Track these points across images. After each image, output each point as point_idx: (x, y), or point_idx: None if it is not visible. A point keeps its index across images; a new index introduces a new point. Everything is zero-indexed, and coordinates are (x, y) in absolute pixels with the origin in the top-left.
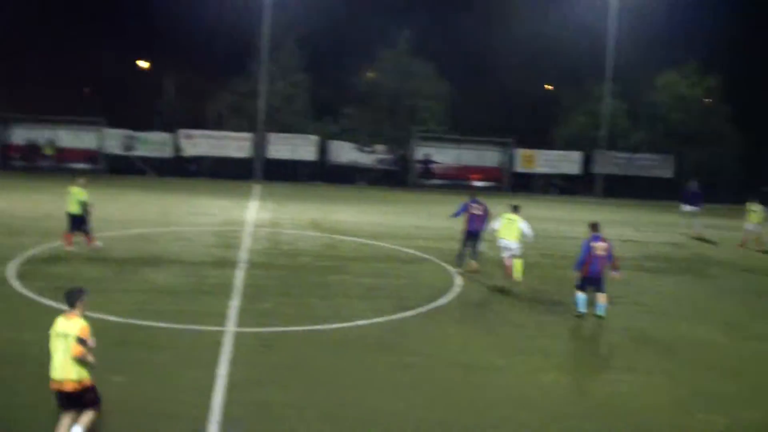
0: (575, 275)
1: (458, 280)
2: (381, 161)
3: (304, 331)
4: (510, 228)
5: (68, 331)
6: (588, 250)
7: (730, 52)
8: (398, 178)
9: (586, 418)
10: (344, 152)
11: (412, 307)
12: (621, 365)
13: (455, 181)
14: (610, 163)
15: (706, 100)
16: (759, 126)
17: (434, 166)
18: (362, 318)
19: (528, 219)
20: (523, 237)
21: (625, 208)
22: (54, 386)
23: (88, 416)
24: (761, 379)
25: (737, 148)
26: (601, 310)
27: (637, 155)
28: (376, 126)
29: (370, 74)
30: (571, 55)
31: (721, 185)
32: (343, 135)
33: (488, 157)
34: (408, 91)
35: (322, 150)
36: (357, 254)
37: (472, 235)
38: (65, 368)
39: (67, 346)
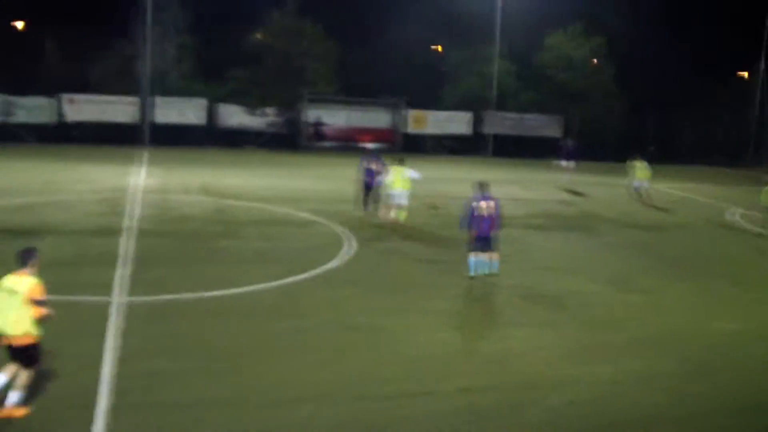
0: (466, 236)
1: (351, 242)
2: (271, 124)
3: (195, 298)
4: (398, 178)
5: (16, 287)
6: (471, 209)
7: (614, 13)
8: (289, 141)
9: (476, 374)
10: (234, 115)
11: (305, 271)
12: (511, 321)
13: (346, 142)
14: (500, 123)
15: (592, 60)
16: (640, 85)
17: (324, 128)
18: (254, 283)
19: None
20: (412, 180)
21: (514, 167)
22: (4, 341)
23: (24, 378)
24: (643, 330)
25: (622, 107)
26: (494, 267)
27: (526, 115)
28: (265, 88)
29: (258, 35)
30: (461, 15)
31: (608, 143)
32: (232, 98)
33: (379, 118)
34: (297, 53)
35: (211, 113)
36: (248, 218)
37: (369, 187)
38: (11, 323)
39: (15, 302)
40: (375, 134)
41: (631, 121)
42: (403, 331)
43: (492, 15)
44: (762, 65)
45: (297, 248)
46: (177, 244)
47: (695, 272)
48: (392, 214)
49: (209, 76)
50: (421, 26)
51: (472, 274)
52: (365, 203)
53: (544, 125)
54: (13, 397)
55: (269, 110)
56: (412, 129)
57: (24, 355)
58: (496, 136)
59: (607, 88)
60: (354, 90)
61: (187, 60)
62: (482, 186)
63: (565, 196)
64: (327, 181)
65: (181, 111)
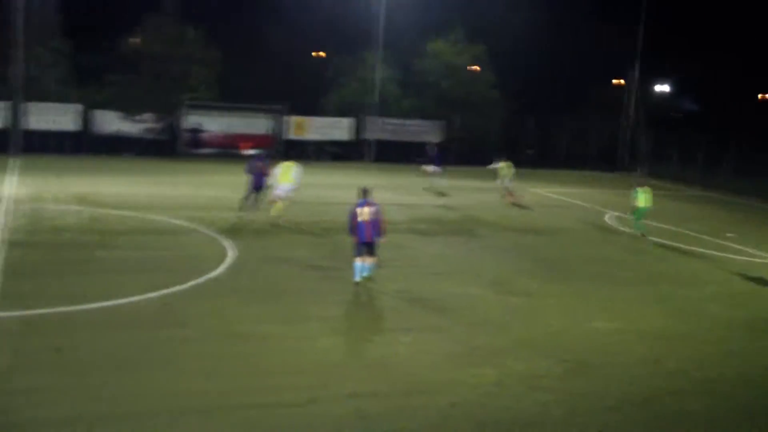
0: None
1: (231, 251)
2: (149, 130)
3: (70, 311)
4: (287, 173)
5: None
6: (353, 215)
7: (495, 20)
8: (167, 148)
9: (362, 379)
10: (111, 122)
11: (185, 280)
12: (396, 326)
13: (226, 149)
14: (382, 129)
15: (473, 67)
16: (520, 91)
17: (204, 134)
18: (133, 294)
19: (303, 186)
20: (295, 179)
21: (396, 172)
22: None
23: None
24: (525, 332)
25: (502, 113)
26: (365, 271)
27: (408, 121)
28: (143, 94)
29: (135, 39)
30: (343, 22)
31: (489, 149)
32: (109, 104)
33: (259, 124)
34: (177, 58)
35: (87, 120)
36: (125, 228)
37: (258, 188)
38: None
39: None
40: (255, 140)
41: (511, 127)
42: (288, 339)
43: (374, 21)
44: (636, 73)
45: (177, 257)
46: (50, 256)
47: (574, 274)
48: (278, 204)
49: (85, 81)
50: (303, 33)
51: (357, 279)
52: (247, 199)
53: (426, 131)
54: None
55: (147, 116)
56: (293, 135)
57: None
58: (378, 142)
59: (487, 95)
60: (235, 96)
61: (62, 65)
62: (364, 192)
63: (446, 200)
64: (207, 188)
65: (55, 117)
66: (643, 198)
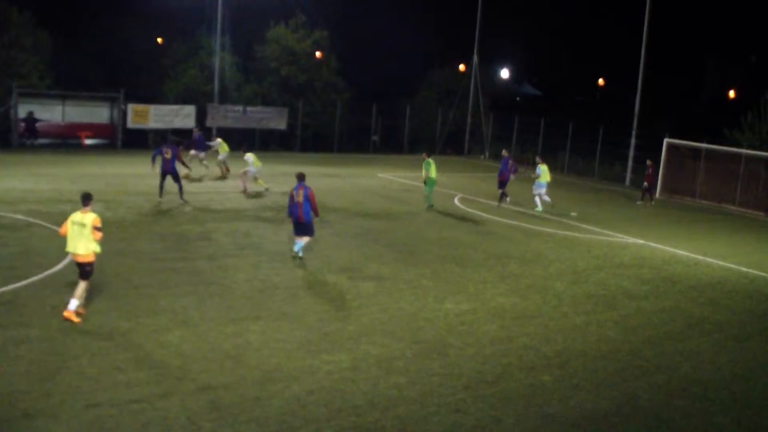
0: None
1: None
2: None
3: None
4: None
5: (84, 221)
6: (290, 197)
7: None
8: (0, 139)
9: (216, 371)
10: None
11: (26, 277)
12: (248, 315)
13: (64, 139)
14: (224, 116)
15: (316, 53)
16: (363, 77)
17: (39, 124)
18: None
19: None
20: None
21: (241, 160)
22: (78, 260)
23: (81, 288)
24: (378, 316)
25: (345, 99)
26: (297, 248)
27: (251, 108)
28: None
29: None
30: (181, 7)
31: (333, 135)
32: None
33: (98, 113)
34: (3, 42)
35: None
36: None
37: (166, 174)
38: (82, 246)
39: (83, 231)
40: (93, 129)
41: (355, 113)
42: (138, 333)
43: (213, 6)
44: (475, 59)
45: (16, 253)
46: None
47: (425, 257)
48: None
49: None
50: (141, 16)
51: (296, 253)
52: (162, 190)
53: (269, 117)
54: (73, 304)
55: None
56: (133, 124)
57: (86, 269)
58: (219, 130)
59: (330, 81)
60: (71, 84)
61: None
62: (299, 176)
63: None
64: (44, 180)
65: None
66: (433, 169)
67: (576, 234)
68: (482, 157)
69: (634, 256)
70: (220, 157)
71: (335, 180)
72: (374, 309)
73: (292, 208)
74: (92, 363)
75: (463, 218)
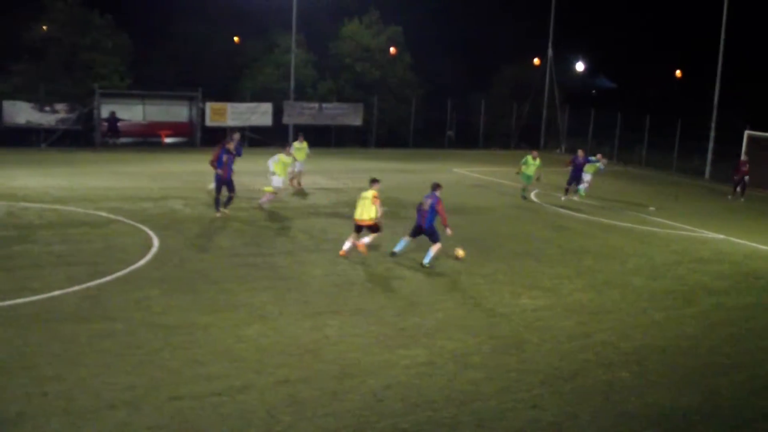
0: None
1: (155, 241)
2: (63, 120)
3: None
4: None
5: (368, 195)
6: (421, 203)
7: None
8: (83, 138)
9: (294, 365)
10: (21, 112)
11: (109, 272)
12: (325, 310)
13: (144, 138)
14: (300, 113)
15: (390, 49)
16: (437, 72)
17: (120, 123)
18: (55, 289)
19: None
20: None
21: (317, 156)
22: (358, 222)
23: (373, 236)
24: (455, 311)
25: (419, 94)
26: (398, 247)
27: (326, 105)
28: (53, 83)
29: (42, 27)
30: (257, 5)
31: (407, 131)
32: (18, 94)
33: (176, 111)
34: (86, 45)
35: None
36: (43, 221)
37: (221, 184)
38: (366, 213)
39: (367, 202)
40: (173, 128)
41: (429, 108)
42: (217, 328)
43: (288, 4)
44: (550, 52)
45: (99, 249)
46: None
47: (500, 252)
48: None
49: None
50: (217, 17)
51: (396, 250)
52: (217, 201)
53: (344, 114)
54: (366, 239)
55: (60, 106)
56: (211, 122)
57: (372, 228)
58: (296, 126)
59: (404, 77)
60: (150, 83)
61: None
62: (432, 186)
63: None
64: (125, 178)
65: None
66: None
67: (654, 229)
68: (558, 151)
69: (714, 251)
70: (297, 167)
71: (409, 175)
72: (450, 304)
73: (419, 212)
74: (173, 356)
75: (539, 213)
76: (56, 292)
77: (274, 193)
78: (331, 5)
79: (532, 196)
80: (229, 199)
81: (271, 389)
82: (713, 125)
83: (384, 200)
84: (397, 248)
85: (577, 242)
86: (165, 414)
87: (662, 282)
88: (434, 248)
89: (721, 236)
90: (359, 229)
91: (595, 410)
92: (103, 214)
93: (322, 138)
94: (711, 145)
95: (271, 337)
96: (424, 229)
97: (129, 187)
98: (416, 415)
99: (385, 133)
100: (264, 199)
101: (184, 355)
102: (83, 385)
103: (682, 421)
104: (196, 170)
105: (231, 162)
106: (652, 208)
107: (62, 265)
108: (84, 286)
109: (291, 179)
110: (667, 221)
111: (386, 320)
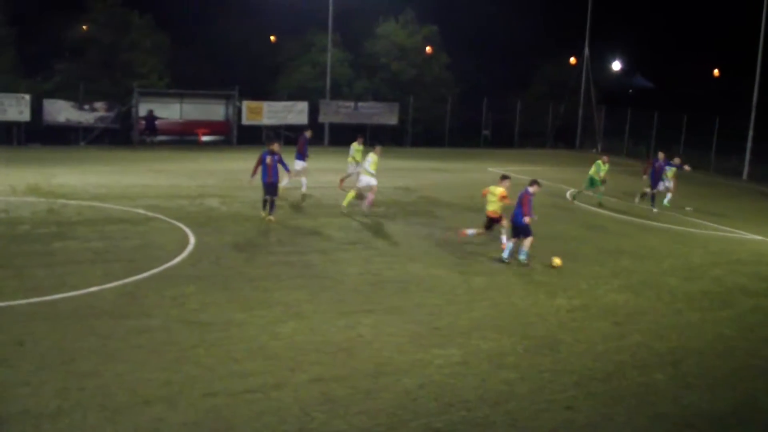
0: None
1: (192, 238)
2: (102, 119)
3: (29, 303)
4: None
5: (495, 191)
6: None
7: (444, 2)
8: (121, 136)
9: (328, 363)
10: (61, 111)
11: (146, 269)
12: (359, 309)
13: (182, 136)
14: (336, 112)
15: (425, 48)
16: (473, 73)
17: (158, 122)
18: (93, 285)
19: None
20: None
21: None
22: (489, 215)
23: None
24: (489, 311)
25: (455, 94)
26: (522, 254)
27: (362, 104)
28: (93, 82)
29: (82, 27)
30: (293, 4)
31: (443, 130)
32: (59, 93)
33: (213, 110)
34: (125, 45)
35: (36, 109)
36: (82, 218)
37: (269, 186)
38: (495, 208)
39: (495, 198)
40: (211, 127)
41: (465, 107)
42: (252, 325)
43: (324, 3)
44: (586, 51)
45: (136, 246)
46: (7, 249)
47: (535, 252)
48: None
49: (32, 70)
50: (254, 16)
51: (505, 257)
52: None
53: (380, 113)
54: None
55: (99, 105)
56: (247, 120)
57: (495, 221)
58: (332, 125)
59: (440, 76)
60: (187, 82)
61: (7, 53)
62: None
63: (409, 182)
64: (163, 175)
65: (3, 108)
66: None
67: (691, 229)
68: (594, 150)
69: (752, 253)
70: (351, 168)
71: (445, 174)
72: (485, 304)
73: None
74: (209, 353)
75: (575, 212)
76: (94, 288)
77: (368, 192)
78: (367, 5)
79: (568, 195)
80: (272, 204)
81: (305, 387)
82: (752, 125)
83: (418, 199)
84: (505, 255)
85: (613, 242)
86: (200, 410)
87: (699, 283)
88: (527, 243)
89: (760, 237)
90: (491, 222)
91: (630, 412)
92: (141, 211)
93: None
94: (749, 144)
95: (306, 335)
96: (515, 225)
97: (166, 185)
98: (450, 414)
99: (421, 132)
100: (367, 203)
101: (219, 352)
102: (119, 380)
103: (719, 424)
104: (232, 168)
105: (276, 164)
106: (689, 209)
107: (100, 261)
108: (121, 282)
109: (342, 179)
110: (704, 222)
111: (420, 319)
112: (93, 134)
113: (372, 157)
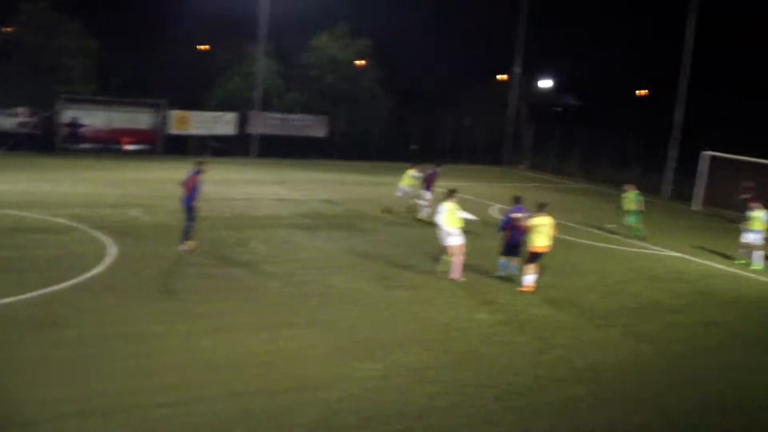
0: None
1: (112, 249)
2: (23, 125)
3: None
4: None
5: (545, 222)
6: (508, 220)
7: (381, 15)
8: (44, 143)
9: (247, 377)
10: None
11: (64, 280)
12: (281, 322)
13: (106, 144)
14: (265, 123)
15: (358, 62)
16: (405, 87)
17: (83, 129)
18: (6, 296)
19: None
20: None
21: (280, 167)
22: (538, 250)
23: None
24: (411, 325)
25: (387, 108)
26: (513, 270)
27: (292, 116)
28: (16, 87)
29: (6, 29)
30: (225, 15)
31: (373, 143)
32: None
33: (140, 119)
34: (51, 49)
35: None
36: None
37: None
38: (547, 241)
39: (547, 230)
40: (136, 135)
41: (396, 122)
42: (172, 337)
43: (257, 14)
44: (518, 69)
45: (54, 256)
46: None
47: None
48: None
49: None
50: (187, 25)
51: (500, 274)
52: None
53: (310, 125)
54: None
55: (21, 110)
56: (175, 130)
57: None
58: (261, 136)
59: (371, 90)
60: (117, 91)
61: None
62: (517, 199)
63: (333, 195)
64: (85, 184)
65: None
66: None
67: (612, 246)
68: (521, 167)
69: (670, 270)
70: (403, 192)
71: (370, 187)
72: (407, 318)
73: (513, 229)
74: (125, 366)
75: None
76: (7, 300)
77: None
78: (302, 17)
79: (490, 212)
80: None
81: (223, 401)
82: (674, 143)
83: (343, 212)
84: (501, 272)
85: None
86: (119, 425)
87: (618, 299)
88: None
89: (678, 254)
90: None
91: (549, 426)
92: (61, 220)
93: (288, 149)
94: (671, 164)
95: (226, 348)
96: (517, 245)
97: (88, 194)
98: (370, 429)
99: (350, 145)
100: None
101: (136, 365)
102: (31, 393)
103: None
104: (157, 177)
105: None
106: (611, 226)
107: (14, 271)
108: (36, 293)
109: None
110: (626, 239)
111: (342, 332)
112: (13, 140)
113: (446, 207)
